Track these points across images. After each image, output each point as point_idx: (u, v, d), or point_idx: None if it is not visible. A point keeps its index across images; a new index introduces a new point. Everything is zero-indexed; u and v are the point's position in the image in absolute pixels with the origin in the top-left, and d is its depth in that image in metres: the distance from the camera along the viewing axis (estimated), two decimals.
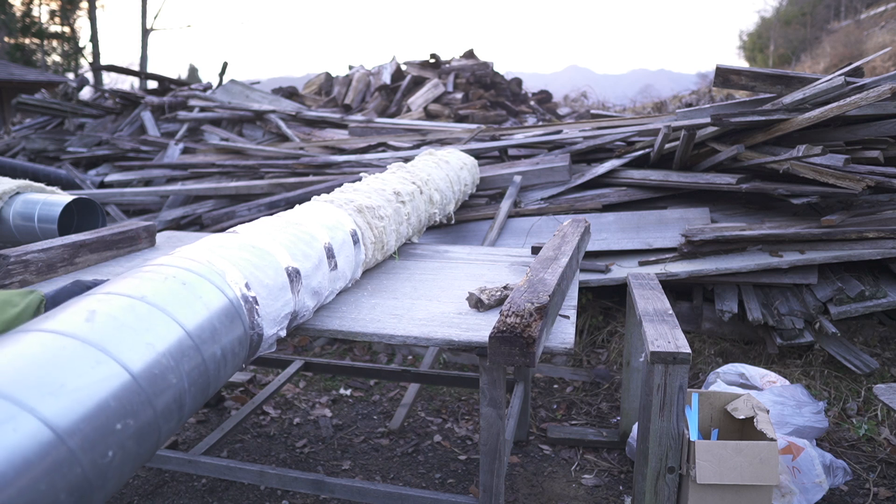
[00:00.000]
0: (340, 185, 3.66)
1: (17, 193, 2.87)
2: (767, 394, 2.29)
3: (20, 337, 0.91)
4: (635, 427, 2.32)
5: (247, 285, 1.32)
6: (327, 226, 1.74)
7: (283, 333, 1.47)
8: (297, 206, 1.95)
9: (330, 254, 1.67)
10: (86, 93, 8.94)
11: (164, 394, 0.99)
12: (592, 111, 5.65)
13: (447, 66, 8.27)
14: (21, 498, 0.72)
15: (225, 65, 8.48)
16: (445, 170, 2.95)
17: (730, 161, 3.37)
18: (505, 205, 3.66)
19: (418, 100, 7.21)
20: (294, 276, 1.48)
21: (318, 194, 2.97)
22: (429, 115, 6.75)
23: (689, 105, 8.92)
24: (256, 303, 1.33)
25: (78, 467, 0.80)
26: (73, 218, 2.97)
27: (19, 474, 0.73)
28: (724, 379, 2.48)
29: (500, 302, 1.74)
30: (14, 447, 0.74)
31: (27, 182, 2.93)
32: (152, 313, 1.07)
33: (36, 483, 0.74)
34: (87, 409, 0.84)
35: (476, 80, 8.08)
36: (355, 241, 1.83)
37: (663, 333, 1.73)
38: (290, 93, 8.14)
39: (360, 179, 2.74)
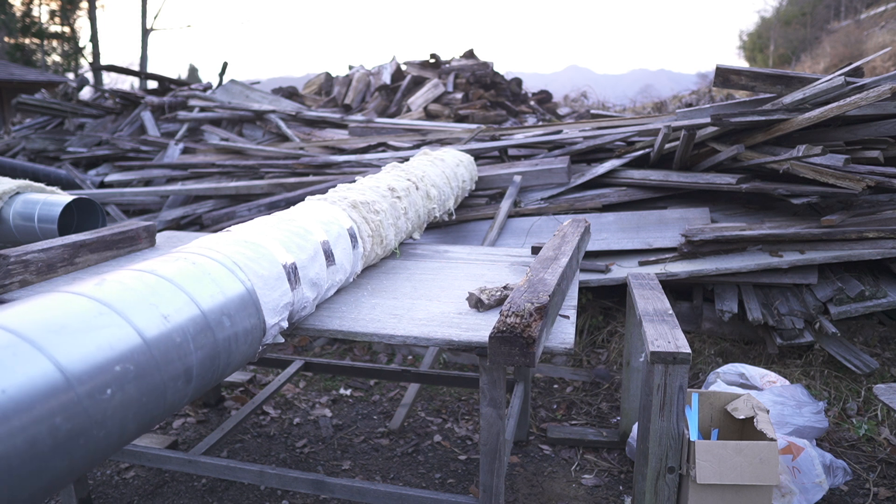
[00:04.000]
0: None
1: (17, 193, 2.87)
2: (767, 394, 2.29)
3: (39, 295, 1.04)
4: (635, 427, 2.32)
5: None
6: (322, 220, 1.75)
7: (285, 324, 1.50)
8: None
9: (326, 246, 1.69)
10: (86, 93, 8.94)
11: (169, 352, 1.07)
12: (592, 111, 5.64)
13: (447, 66, 8.26)
14: (18, 414, 0.80)
15: (225, 65, 8.48)
16: (441, 167, 2.95)
17: (730, 161, 3.37)
18: (505, 205, 3.66)
19: (418, 100, 7.20)
20: (290, 267, 1.51)
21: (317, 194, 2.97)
22: (429, 115, 6.74)
23: (689, 105, 8.92)
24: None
25: (73, 393, 0.87)
26: (73, 218, 2.97)
27: (23, 397, 0.82)
28: (724, 379, 2.48)
29: (500, 302, 1.74)
30: (13, 372, 0.83)
31: (27, 182, 2.93)
32: (160, 283, 1.17)
33: (32, 404, 0.82)
34: (84, 347, 0.93)
35: (476, 80, 8.07)
36: (351, 235, 1.84)
37: (663, 333, 1.73)
38: (290, 93, 8.13)
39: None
